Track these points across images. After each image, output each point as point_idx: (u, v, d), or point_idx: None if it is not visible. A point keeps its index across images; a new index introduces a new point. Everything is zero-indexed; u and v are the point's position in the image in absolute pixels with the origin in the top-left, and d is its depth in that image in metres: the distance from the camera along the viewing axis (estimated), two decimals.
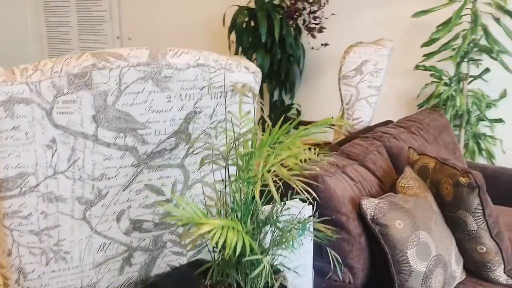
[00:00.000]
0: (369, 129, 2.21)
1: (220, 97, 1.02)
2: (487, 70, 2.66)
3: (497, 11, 2.56)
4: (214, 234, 0.65)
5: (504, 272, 1.36)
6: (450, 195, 1.36)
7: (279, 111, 3.34)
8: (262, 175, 0.72)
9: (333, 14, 3.13)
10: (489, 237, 1.34)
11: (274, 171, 0.73)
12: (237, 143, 0.88)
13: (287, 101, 3.48)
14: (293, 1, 3.09)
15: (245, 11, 3.10)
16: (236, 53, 3.28)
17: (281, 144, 0.77)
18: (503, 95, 2.78)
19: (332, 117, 0.98)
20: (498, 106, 2.78)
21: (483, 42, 2.63)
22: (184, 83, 0.95)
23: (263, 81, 3.25)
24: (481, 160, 2.79)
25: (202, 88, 0.98)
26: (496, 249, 1.35)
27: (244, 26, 3.09)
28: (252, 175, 0.74)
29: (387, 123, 2.28)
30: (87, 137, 0.90)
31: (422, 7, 2.86)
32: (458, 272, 1.34)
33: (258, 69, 1.08)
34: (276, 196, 0.71)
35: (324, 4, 2.99)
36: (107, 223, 1.00)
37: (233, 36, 3.29)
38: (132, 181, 0.99)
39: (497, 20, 2.50)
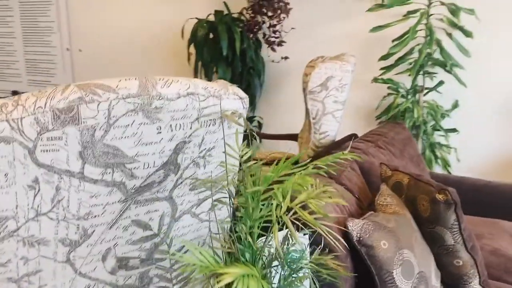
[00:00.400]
0: (337, 143, 2.24)
1: (210, 125, 0.99)
2: (441, 82, 2.78)
3: (449, 27, 2.69)
4: (237, 285, 0.62)
5: (480, 283, 1.41)
6: (428, 211, 1.39)
7: None
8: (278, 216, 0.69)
9: (293, 28, 3.16)
10: (465, 251, 1.39)
11: (294, 212, 0.71)
12: (233, 176, 0.85)
13: (249, 114, 3.47)
14: (252, 15, 3.09)
15: (205, 24, 3.06)
16: (196, 67, 3.23)
17: (289, 180, 0.75)
18: (455, 105, 2.92)
19: (343, 152, 0.96)
20: (451, 116, 2.91)
21: (436, 55, 2.76)
22: (175, 113, 0.91)
23: None
24: (437, 169, 2.91)
25: (192, 117, 0.95)
26: (472, 262, 1.40)
27: (204, 39, 3.05)
28: (264, 214, 0.71)
29: (352, 137, 2.32)
30: (73, 175, 0.84)
31: (377, 21, 2.95)
32: (437, 287, 1.38)
33: (246, 95, 1.05)
34: (299, 242, 0.69)
35: (284, 18, 3.02)
36: (92, 264, 0.94)
37: (191, 48, 3.24)
38: (119, 217, 0.93)
39: (449, 35, 2.63)
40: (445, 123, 2.87)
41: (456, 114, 2.92)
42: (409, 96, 2.82)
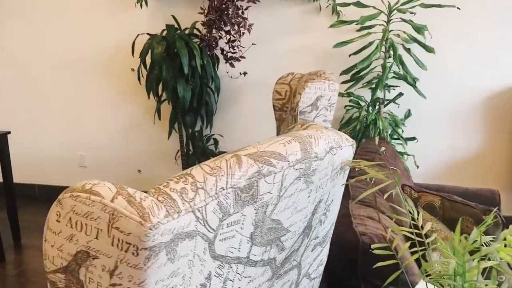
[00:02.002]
0: None
1: (335, 178, 0.90)
2: (400, 94, 2.94)
3: (406, 43, 2.86)
4: None
5: None
6: None
7: (197, 142, 3.17)
8: None
9: (254, 44, 3.10)
10: (507, 266, 1.47)
11: None
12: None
13: (206, 132, 3.33)
14: (208, 30, 2.97)
15: (161, 41, 2.86)
16: (149, 85, 3.00)
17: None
18: (408, 115, 3.10)
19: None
20: (406, 124, 3.10)
21: (394, 68, 2.91)
22: (322, 172, 0.81)
23: (185, 113, 3.05)
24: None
25: (328, 173, 0.85)
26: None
27: (162, 56, 2.85)
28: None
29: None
30: (240, 261, 0.70)
31: (335, 36, 3.03)
32: None
33: (353, 140, 0.99)
34: None
35: (244, 33, 2.94)
36: None
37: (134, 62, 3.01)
38: None
39: (408, 50, 2.78)
40: (400, 132, 3.04)
41: (408, 122, 3.12)
42: (370, 108, 2.94)
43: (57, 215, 0.65)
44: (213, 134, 3.28)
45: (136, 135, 3.49)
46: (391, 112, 3.04)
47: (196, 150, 3.16)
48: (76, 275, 0.67)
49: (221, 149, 3.36)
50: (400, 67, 2.75)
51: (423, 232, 0.76)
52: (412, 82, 2.73)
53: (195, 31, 3.10)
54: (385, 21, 2.78)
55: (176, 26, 3.13)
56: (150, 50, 2.87)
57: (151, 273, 0.59)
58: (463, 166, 3.10)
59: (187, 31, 3.08)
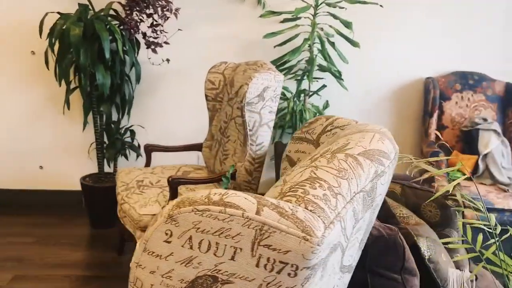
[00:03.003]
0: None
1: None
2: (324, 86, 3.05)
3: (329, 37, 2.96)
4: None
5: (470, 271, 1.66)
6: (437, 217, 1.56)
7: (114, 134, 2.91)
8: None
9: (180, 29, 2.93)
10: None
11: None
12: None
13: (124, 123, 3.08)
14: (128, 12, 2.73)
15: (78, 22, 2.55)
16: (60, 71, 2.66)
17: None
18: (326, 106, 3.25)
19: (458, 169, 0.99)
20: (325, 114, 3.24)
21: (318, 60, 3.00)
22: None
23: (102, 103, 2.78)
24: None
25: None
26: (466, 253, 1.64)
27: (80, 39, 2.54)
28: None
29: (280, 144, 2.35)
30: (349, 271, 0.65)
31: (258, 26, 3.02)
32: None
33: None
34: None
35: (168, 18, 2.77)
36: None
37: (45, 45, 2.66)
38: None
39: (332, 44, 2.89)
40: None
41: (327, 112, 3.26)
42: (295, 99, 3.00)
43: (167, 234, 0.52)
44: (132, 125, 3.05)
45: (39, 126, 3.08)
46: (311, 102, 3.14)
47: (116, 142, 2.91)
48: None
49: (141, 142, 3.14)
50: (327, 59, 2.85)
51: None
52: (338, 75, 2.85)
53: (112, 13, 2.83)
54: (312, 14, 2.85)
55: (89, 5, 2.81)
56: (64, 32, 2.54)
57: None
58: None
59: (102, 13, 2.79)
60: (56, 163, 3.15)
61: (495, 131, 2.92)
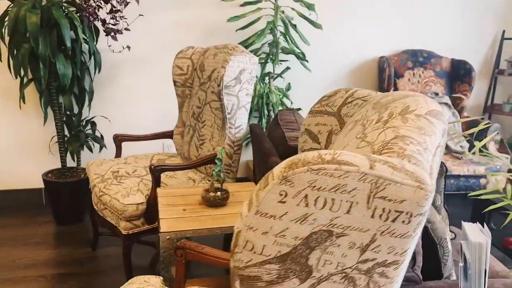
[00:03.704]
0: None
1: None
2: (288, 68, 3.11)
3: (291, 20, 3.01)
4: None
5: (450, 231, 1.81)
6: None
7: (76, 127, 2.80)
8: None
9: (141, 15, 2.85)
10: (443, 208, 1.75)
11: None
12: None
13: (85, 114, 2.96)
14: None
15: (34, 9, 2.40)
16: (16, 62, 2.51)
17: None
18: (288, 88, 3.32)
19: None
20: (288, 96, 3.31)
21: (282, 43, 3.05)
22: None
23: (62, 94, 2.66)
24: None
25: None
26: (446, 215, 1.78)
27: (37, 27, 2.40)
28: None
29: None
30: None
31: (217, 10, 3.01)
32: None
33: None
34: None
35: (128, 3, 2.68)
36: None
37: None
38: None
39: (294, 26, 2.95)
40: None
41: (291, 94, 3.34)
42: (261, 82, 3.04)
43: (282, 195, 0.54)
44: (94, 117, 2.94)
45: None
46: (277, 86, 3.19)
47: (80, 135, 2.80)
48: (303, 261, 0.58)
49: (104, 133, 3.03)
50: (291, 41, 2.90)
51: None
52: (302, 57, 2.92)
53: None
54: None
55: None
56: (18, 20, 2.38)
57: (415, 239, 0.56)
58: None
59: None
60: (15, 161, 2.97)
61: (446, 104, 3.13)
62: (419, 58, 3.39)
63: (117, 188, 2.10)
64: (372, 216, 0.53)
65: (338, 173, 0.52)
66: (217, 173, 1.67)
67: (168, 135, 2.65)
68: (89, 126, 2.93)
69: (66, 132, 2.89)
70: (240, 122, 2.24)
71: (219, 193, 1.68)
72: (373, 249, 0.54)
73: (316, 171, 0.53)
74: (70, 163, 2.99)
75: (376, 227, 0.53)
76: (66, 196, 2.80)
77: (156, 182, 2.03)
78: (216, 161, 1.65)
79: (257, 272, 0.57)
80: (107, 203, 2.06)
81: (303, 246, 0.55)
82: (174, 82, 2.60)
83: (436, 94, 3.22)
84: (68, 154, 2.88)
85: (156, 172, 2.02)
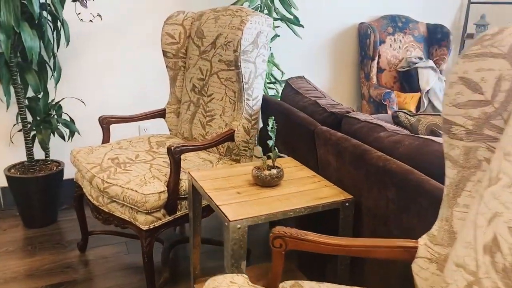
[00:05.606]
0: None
1: None
2: (277, 35, 2.89)
3: None
4: None
5: None
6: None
7: (43, 111, 2.37)
8: None
9: None
10: None
11: None
12: None
13: (51, 97, 2.52)
14: None
15: None
16: None
17: None
18: (270, 56, 3.11)
19: None
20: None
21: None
22: None
23: (26, 72, 2.24)
24: None
25: None
26: None
27: None
28: None
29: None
30: None
31: None
32: None
33: None
34: None
35: None
36: None
37: None
38: None
39: None
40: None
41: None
42: None
43: None
44: (63, 98, 2.51)
45: None
46: None
47: (52, 120, 2.37)
48: None
49: (76, 118, 2.61)
50: (286, 4, 2.68)
51: None
52: (296, 21, 2.71)
53: None
54: None
55: None
56: None
57: None
58: None
59: None
60: None
61: (432, 67, 3.12)
62: (398, 23, 3.34)
63: (127, 177, 1.77)
64: None
65: None
66: (272, 149, 1.44)
67: (160, 114, 2.33)
68: (58, 110, 2.50)
69: (31, 119, 2.44)
70: (257, 92, 2.00)
71: (274, 170, 1.46)
72: None
73: None
74: (38, 155, 2.54)
75: None
76: (35, 194, 2.38)
77: (177, 166, 1.74)
78: (270, 134, 1.42)
79: None
80: (117, 196, 1.73)
81: None
82: (165, 52, 2.27)
83: (420, 58, 3.20)
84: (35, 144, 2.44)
85: (176, 153, 1.73)
